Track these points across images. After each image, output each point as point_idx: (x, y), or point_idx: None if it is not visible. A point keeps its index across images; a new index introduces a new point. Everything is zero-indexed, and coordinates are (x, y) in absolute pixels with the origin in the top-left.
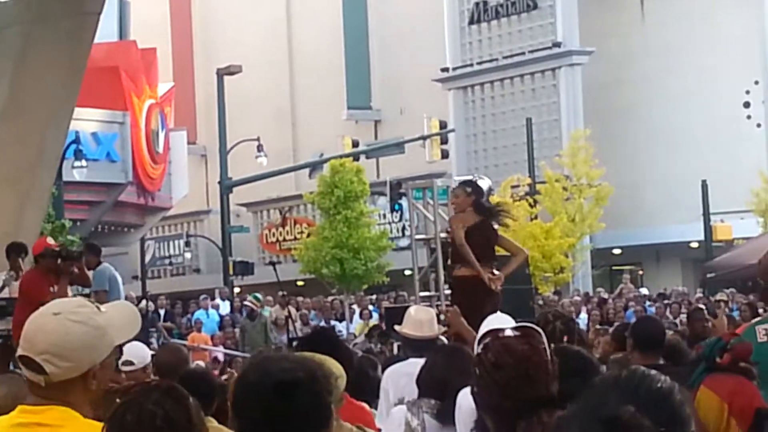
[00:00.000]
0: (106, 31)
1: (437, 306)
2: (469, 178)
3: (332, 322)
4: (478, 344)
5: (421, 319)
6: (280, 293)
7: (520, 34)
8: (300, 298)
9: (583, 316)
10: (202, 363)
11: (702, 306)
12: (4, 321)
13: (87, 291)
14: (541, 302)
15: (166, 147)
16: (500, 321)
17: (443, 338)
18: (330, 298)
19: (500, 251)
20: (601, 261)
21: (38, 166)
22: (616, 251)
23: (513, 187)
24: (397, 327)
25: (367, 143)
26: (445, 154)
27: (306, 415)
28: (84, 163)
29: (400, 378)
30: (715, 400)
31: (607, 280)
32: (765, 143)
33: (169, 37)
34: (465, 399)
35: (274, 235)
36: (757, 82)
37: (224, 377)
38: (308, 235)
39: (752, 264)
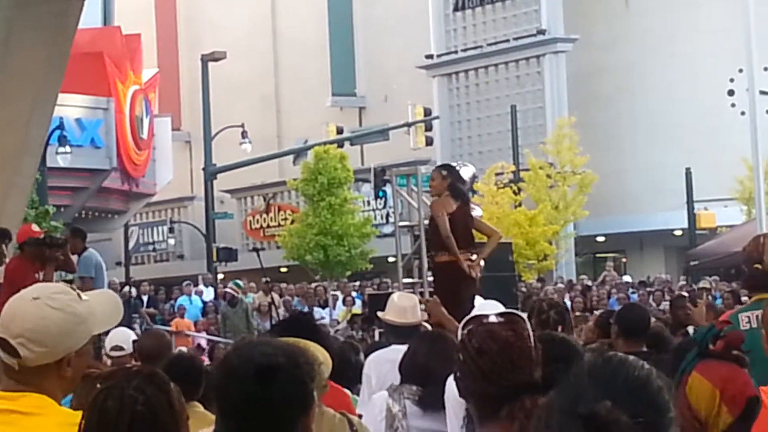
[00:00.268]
0: (90, 17)
1: (420, 293)
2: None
3: (315, 309)
4: (462, 330)
5: (404, 306)
6: (264, 280)
7: (505, 21)
8: (283, 285)
9: (567, 303)
10: (184, 349)
11: (685, 293)
12: None
13: (71, 277)
14: (524, 289)
15: (151, 133)
16: (490, 307)
17: (426, 325)
18: (313, 285)
19: (477, 236)
20: (585, 248)
21: (22, 152)
22: (600, 239)
23: (497, 174)
24: (380, 313)
25: (352, 130)
26: (429, 141)
27: (287, 401)
28: (68, 149)
29: (383, 364)
30: (707, 387)
31: (591, 268)
32: (749, 131)
33: (153, 23)
34: (453, 388)
35: (258, 221)
36: (741, 70)
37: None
38: (292, 222)
39: (736, 252)
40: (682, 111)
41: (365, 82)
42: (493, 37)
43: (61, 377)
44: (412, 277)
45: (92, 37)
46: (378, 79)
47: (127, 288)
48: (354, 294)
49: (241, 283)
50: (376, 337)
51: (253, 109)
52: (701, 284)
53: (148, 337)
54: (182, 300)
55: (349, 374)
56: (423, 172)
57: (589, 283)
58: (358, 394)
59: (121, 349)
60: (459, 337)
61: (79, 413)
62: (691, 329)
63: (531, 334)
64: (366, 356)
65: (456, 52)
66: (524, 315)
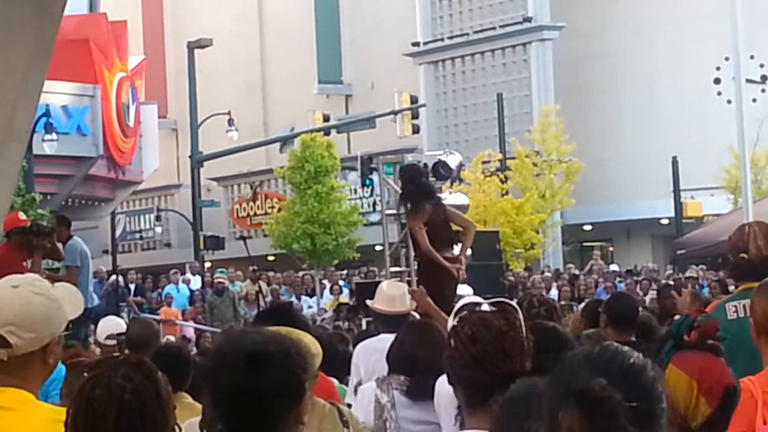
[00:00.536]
0: (76, 3)
1: (407, 282)
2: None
3: (303, 297)
4: (455, 317)
5: (392, 295)
6: (251, 268)
7: (491, 8)
8: (271, 273)
9: (554, 292)
10: (172, 338)
11: (672, 282)
12: None
13: (58, 265)
14: (511, 278)
15: (137, 120)
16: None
17: (415, 314)
18: (300, 273)
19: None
20: (572, 237)
21: (9, 140)
22: (587, 227)
23: (484, 162)
24: (368, 302)
25: (338, 118)
26: (416, 129)
27: (277, 390)
28: (54, 136)
29: (371, 354)
30: (683, 379)
31: (578, 257)
32: (735, 120)
33: (139, 10)
34: (444, 383)
35: (244, 209)
36: (727, 59)
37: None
38: (279, 210)
39: (722, 241)
40: (668, 99)
41: (351, 70)
42: (480, 24)
43: (45, 363)
44: (399, 266)
45: (78, 23)
46: (364, 67)
47: (114, 276)
48: (341, 283)
49: (226, 271)
50: (363, 326)
51: (240, 97)
52: (688, 273)
53: (137, 325)
54: (169, 288)
55: (337, 364)
56: (409, 160)
57: (577, 272)
58: (346, 385)
59: (115, 337)
60: (450, 324)
61: (62, 410)
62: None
63: (523, 323)
64: (354, 345)
65: (442, 39)
66: (516, 305)
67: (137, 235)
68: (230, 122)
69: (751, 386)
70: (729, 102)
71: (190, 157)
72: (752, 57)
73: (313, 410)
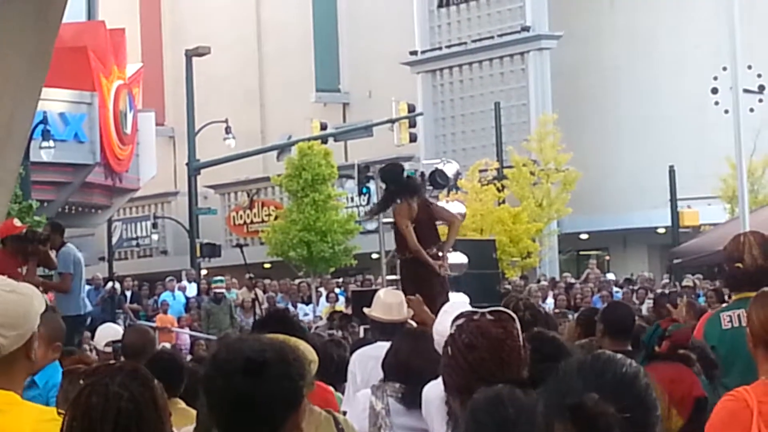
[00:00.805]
0: (74, 10)
1: (403, 290)
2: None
3: (299, 305)
4: (452, 325)
5: (390, 303)
6: (247, 276)
7: (489, 17)
8: (267, 281)
9: (550, 301)
10: (168, 345)
11: (668, 292)
12: None
13: (51, 273)
14: (508, 286)
15: (134, 128)
16: (458, 305)
17: (412, 322)
18: (297, 281)
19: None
20: (568, 246)
21: (6, 147)
22: (583, 236)
23: (481, 171)
24: (366, 310)
25: (336, 126)
26: (413, 138)
27: (275, 397)
28: (51, 143)
29: (368, 361)
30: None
31: (574, 265)
32: (732, 129)
33: (137, 18)
34: (432, 391)
35: (241, 217)
36: (725, 68)
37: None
38: (276, 218)
39: (719, 250)
40: (666, 109)
41: (349, 78)
42: (478, 33)
43: (29, 359)
44: (395, 274)
45: (76, 31)
46: (362, 75)
47: (110, 283)
48: (337, 290)
49: (224, 279)
50: (358, 334)
51: (237, 105)
52: (684, 282)
53: (133, 332)
54: (165, 296)
55: (332, 371)
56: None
57: (573, 280)
58: (342, 392)
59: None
60: (433, 329)
61: (52, 410)
62: None
63: (520, 332)
64: (351, 353)
65: (440, 48)
66: (513, 314)
67: (134, 243)
68: (227, 130)
69: (747, 396)
70: (726, 112)
71: (187, 164)
72: (750, 67)
73: (309, 418)
